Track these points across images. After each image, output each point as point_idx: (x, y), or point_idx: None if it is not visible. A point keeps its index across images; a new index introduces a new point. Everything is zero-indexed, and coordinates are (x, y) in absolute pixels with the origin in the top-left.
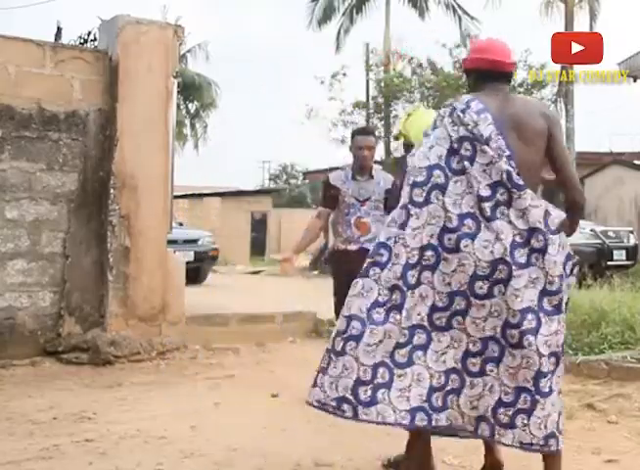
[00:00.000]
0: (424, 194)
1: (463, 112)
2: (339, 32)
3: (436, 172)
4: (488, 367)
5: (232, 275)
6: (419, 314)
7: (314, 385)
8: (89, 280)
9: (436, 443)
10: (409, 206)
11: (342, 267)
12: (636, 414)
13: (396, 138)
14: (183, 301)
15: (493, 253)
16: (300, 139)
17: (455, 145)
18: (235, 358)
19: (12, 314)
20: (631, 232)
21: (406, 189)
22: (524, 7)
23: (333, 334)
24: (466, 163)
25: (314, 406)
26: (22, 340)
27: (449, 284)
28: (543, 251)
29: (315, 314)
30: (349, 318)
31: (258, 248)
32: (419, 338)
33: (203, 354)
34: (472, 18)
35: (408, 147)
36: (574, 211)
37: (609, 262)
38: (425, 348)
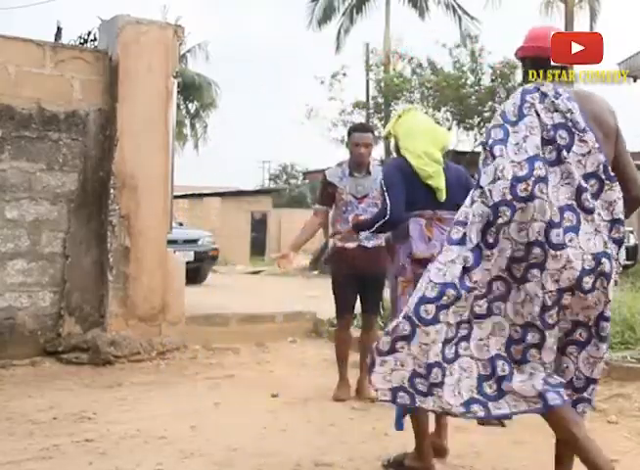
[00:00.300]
0: (529, 188)
1: (556, 97)
2: (339, 32)
3: (538, 164)
4: (569, 349)
5: (232, 275)
6: (530, 313)
7: (427, 394)
8: (89, 280)
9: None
10: (514, 202)
11: (341, 266)
12: (636, 414)
13: (386, 138)
14: (183, 301)
15: (596, 245)
16: (300, 139)
17: (551, 133)
18: (235, 358)
19: (12, 314)
20: (631, 232)
21: (503, 185)
22: (524, 7)
23: (434, 349)
24: (564, 152)
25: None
26: (22, 340)
27: (557, 281)
28: (621, 242)
29: (315, 314)
30: (458, 325)
31: (258, 248)
32: (533, 337)
33: (203, 354)
34: (472, 18)
35: (399, 148)
36: (634, 209)
37: None
38: (539, 346)
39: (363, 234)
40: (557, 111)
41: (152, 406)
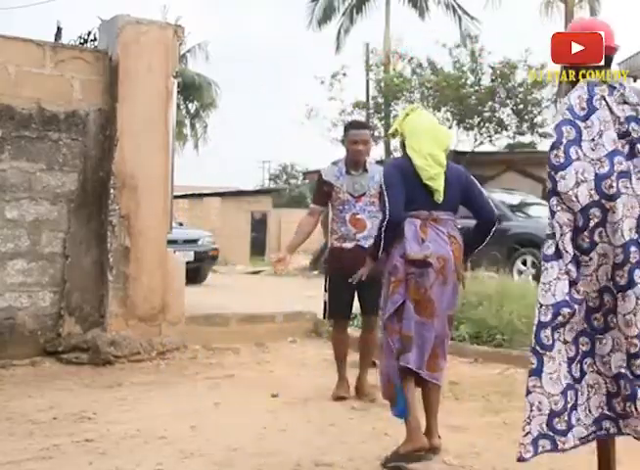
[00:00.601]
0: (614, 184)
1: (624, 89)
2: (339, 32)
3: (618, 159)
4: None
5: (232, 275)
6: None
7: (567, 431)
8: (89, 280)
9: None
10: (603, 201)
11: (337, 266)
12: None
13: (393, 135)
14: (183, 301)
15: None
16: (300, 139)
17: (625, 126)
18: (235, 358)
19: (12, 314)
20: None
21: (587, 186)
22: (524, 7)
23: (562, 371)
24: (638, 145)
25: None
26: (22, 340)
27: None
28: None
29: (315, 314)
30: (575, 341)
31: (258, 248)
32: None
33: (203, 354)
34: (472, 18)
35: (405, 146)
36: None
37: None
38: None
39: (360, 234)
40: (626, 103)
41: (152, 406)
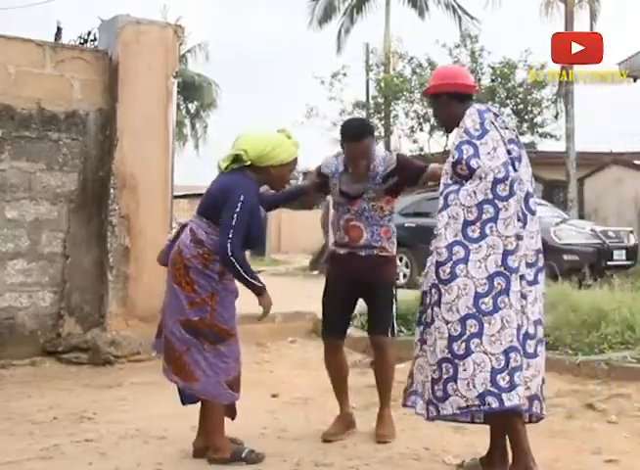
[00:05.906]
0: (507, 188)
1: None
2: (339, 32)
3: (510, 167)
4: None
5: None
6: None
7: (443, 398)
8: (89, 280)
9: (436, 442)
10: (496, 201)
11: (332, 273)
12: (636, 414)
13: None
14: None
15: (537, 243)
16: (300, 139)
17: (507, 146)
18: None
19: (12, 314)
20: (631, 232)
21: (485, 185)
22: (524, 7)
23: (444, 343)
24: (517, 162)
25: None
26: (22, 340)
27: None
28: None
29: (315, 314)
30: (463, 319)
31: None
32: None
33: None
34: (472, 18)
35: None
36: None
37: (609, 262)
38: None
39: (354, 243)
40: (507, 128)
41: (152, 406)
